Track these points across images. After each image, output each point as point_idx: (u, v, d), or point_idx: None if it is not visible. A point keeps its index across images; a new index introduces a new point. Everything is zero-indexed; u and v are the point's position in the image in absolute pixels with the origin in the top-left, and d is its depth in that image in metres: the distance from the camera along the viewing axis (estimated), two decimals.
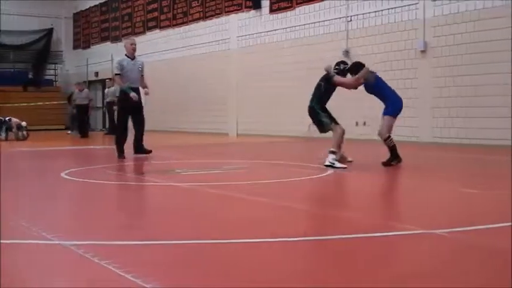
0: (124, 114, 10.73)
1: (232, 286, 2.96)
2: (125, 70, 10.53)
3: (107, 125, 23.84)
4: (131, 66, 10.62)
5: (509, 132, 12.80)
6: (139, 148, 10.82)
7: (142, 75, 10.88)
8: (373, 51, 15.58)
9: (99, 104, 28.64)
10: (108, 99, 21.35)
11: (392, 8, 15.18)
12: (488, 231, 4.22)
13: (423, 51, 14.47)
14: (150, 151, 10.88)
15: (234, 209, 5.39)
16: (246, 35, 19.90)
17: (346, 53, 16.19)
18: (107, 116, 23.32)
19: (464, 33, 13.67)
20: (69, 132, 23.16)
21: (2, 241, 4.09)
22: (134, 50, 10.75)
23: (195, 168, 8.94)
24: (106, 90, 21.92)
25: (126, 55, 10.76)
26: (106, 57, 27.18)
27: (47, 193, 6.68)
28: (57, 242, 3.89)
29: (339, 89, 9.23)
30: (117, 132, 10.91)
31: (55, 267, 3.43)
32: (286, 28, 18.26)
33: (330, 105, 9.11)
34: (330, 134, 8.95)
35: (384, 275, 3.14)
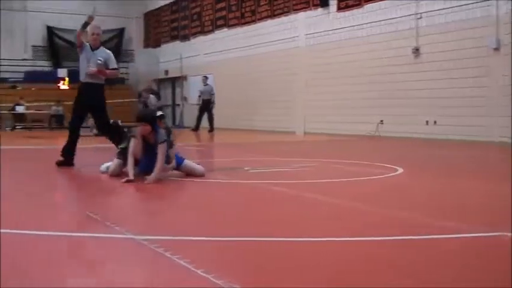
0: None
1: (297, 286, 3.00)
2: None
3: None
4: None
5: None
6: None
7: (113, 69, 8.96)
8: (443, 49, 15.30)
9: (169, 102, 29.17)
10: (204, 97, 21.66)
11: (463, 5, 14.85)
12: None
13: (496, 49, 14.10)
14: None
15: (300, 208, 5.42)
16: (314, 33, 19.86)
17: (416, 50, 15.98)
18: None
19: None
20: None
21: (78, 234, 4.28)
22: (94, 39, 8.84)
23: (263, 166, 9.01)
24: (202, 89, 22.01)
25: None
26: (175, 55, 27.64)
27: (117, 188, 6.89)
28: (130, 236, 4.02)
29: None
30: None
31: (130, 260, 3.55)
32: (354, 26, 18.13)
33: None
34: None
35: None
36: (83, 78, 8.81)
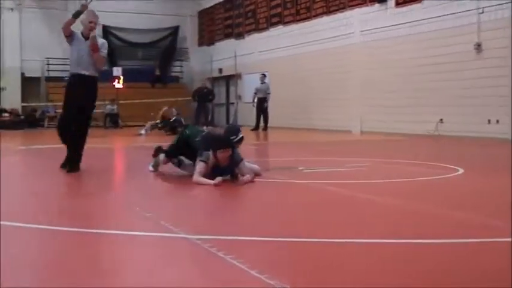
0: None
1: (350, 287, 2.93)
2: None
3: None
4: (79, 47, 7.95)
5: None
6: None
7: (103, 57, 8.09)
8: (506, 45, 14.76)
9: (223, 101, 29.23)
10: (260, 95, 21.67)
11: None
12: None
13: None
14: None
15: (354, 208, 5.29)
16: (370, 30, 19.50)
17: (478, 46, 15.47)
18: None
19: None
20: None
21: (131, 233, 4.22)
22: (92, 28, 7.85)
23: (318, 166, 8.86)
24: (259, 86, 22.02)
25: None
26: (229, 53, 27.64)
27: (171, 187, 6.85)
28: (183, 236, 3.97)
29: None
30: None
31: (183, 260, 3.52)
32: (412, 22, 17.71)
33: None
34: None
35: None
36: (73, 69, 7.95)
